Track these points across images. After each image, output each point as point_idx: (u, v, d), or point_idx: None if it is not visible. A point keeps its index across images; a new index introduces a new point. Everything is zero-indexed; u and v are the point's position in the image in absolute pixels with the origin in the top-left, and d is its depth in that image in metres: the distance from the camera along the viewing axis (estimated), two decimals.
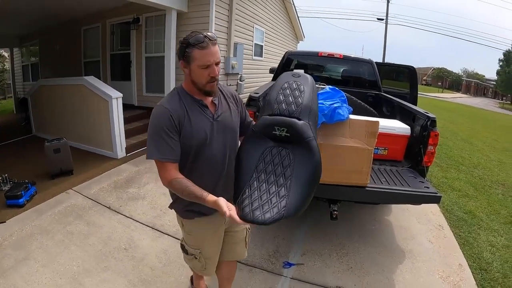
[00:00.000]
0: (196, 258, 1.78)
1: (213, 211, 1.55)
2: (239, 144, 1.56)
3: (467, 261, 3.15)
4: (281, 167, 1.40)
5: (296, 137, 1.41)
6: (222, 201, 1.34)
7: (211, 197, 1.37)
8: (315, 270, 2.77)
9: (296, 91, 1.52)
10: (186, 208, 1.63)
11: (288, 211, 1.30)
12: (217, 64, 1.45)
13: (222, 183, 1.61)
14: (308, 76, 1.63)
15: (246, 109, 2.89)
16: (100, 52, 7.56)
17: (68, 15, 7.65)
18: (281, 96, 1.51)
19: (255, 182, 1.39)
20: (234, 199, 1.40)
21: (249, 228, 1.94)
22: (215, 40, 1.42)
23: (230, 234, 1.87)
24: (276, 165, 1.41)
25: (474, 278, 2.90)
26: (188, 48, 1.40)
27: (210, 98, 1.56)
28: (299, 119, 1.44)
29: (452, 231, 3.72)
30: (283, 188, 1.35)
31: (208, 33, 1.41)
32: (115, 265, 2.65)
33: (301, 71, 1.63)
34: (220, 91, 1.63)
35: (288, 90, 1.53)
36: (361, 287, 2.61)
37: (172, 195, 1.68)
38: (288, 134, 1.41)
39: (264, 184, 1.38)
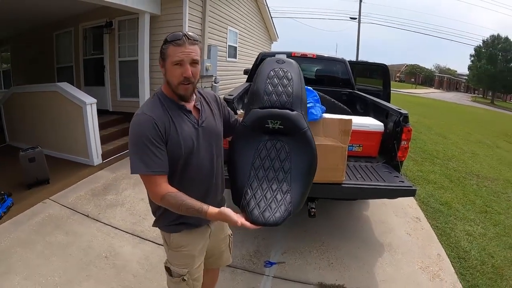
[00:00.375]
0: (185, 280, 1.60)
1: (203, 222, 1.53)
2: (230, 143, 1.49)
3: (445, 250, 3.26)
4: (278, 161, 1.37)
5: (291, 128, 1.37)
6: (228, 211, 1.27)
7: (212, 209, 1.29)
8: (296, 268, 2.81)
9: (284, 79, 1.45)
10: (175, 222, 1.50)
11: (294, 206, 1.30)
12: (192, 63, 1.34)
13: (211, 191, 1.52)
14: (293, 61, 1.58)
15: None
16: (73, 57, 7.39)
17: (40, 20, 7.45)
18: (269, 86, 1.44)
19: (255, 181, 1.35)
20: (236, 202, 1.36)
21: (231, 234, 1.89)
22: (194, 40, 1.34)
23: (217, 243, 1.79)
24: (273, 160, 1.37)
25: (453, 267, 3.00)
26: (164, 45, 1.34)
27: (192, 103, 1.45)
28: (292, 110, 1.39)
29: (429, 222, 3.84)
30: (284, 183, 1.33)
31: (189, 33, 1.35)
32: (97, 273, 2.61)
33: (284, 56, 1.58)
34: (202, 95, 1.55)
35: (275, 79, 1.45)
36: (342, 282, 2.65)
37: (156, 211, 1.54)
38: (282, 127, 1.37)
39: (264, 182, 1.34)
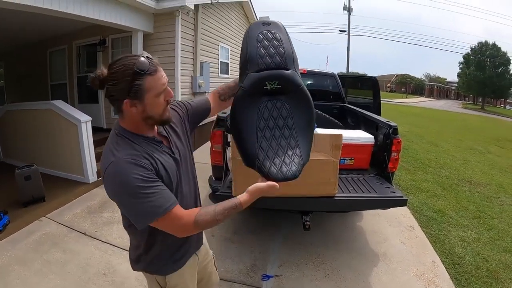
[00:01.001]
0: None
1: (191, 252, 1.47)
2: (232, 110, 1.40)
3: (439, 257, 3.31)
4: (281, 118, 1.38)
5: (288, 87, 1.39)
6: (255, 186, 1.24)
7: (242, 197, 1.23)
8: (293, 280, 2.83)
9: (274, 41, 1.44)
10: (168, 261, 1.39)
11: (305, 157, 1.34)
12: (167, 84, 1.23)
13: None
14: (278, 22, 1.55)
15: (215, 129, 2.95)
16: (67, 74, 7.44)
17: (34, 37, 7.50)
18: (261, 49, 1.41)
19: (264, 141, 1.34)
20: (251, 165, 1.32)
21: (213, 253, 1.81)
22: (155, 58, 1.20)
23: (204, 266, 1.71)
24: (276, 118, 1.38)
25: (448, 273, 3.04)
26: (135, 80, 1.10)
27: (156, 131, 1.30)
28: (287, 69, 1.40)
29: (423, 230, 3.88)
30: (291, 139, 1.35)
31: (146, 54, 1.18)
32: None
33: (268, 17, 1.55)
34: None
35: (265, 42, 1.43)
36: None
37: (143, 254, 1.37)
38: (280, 86, 1.38)
39: (273, 141, 1.34)
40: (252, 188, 1.23)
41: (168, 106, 1.24)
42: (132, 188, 1.09)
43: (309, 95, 1.41)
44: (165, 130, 1.34)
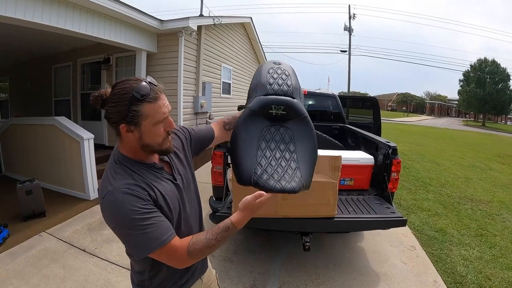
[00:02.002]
0: None
1: (195, 276, 1.44)
2: (234, 128, 1.39)
3: (441, 277, 3.27)
4: (283, 143, 1.38)
5: (293, 114, 1.40)
6: (246, 202, 1.15)
7: (235, 217, 1.17)
8: None
9: (283, 75, 1.50)
10: (175, 285, 1.35)
11: (306, 182, 1.31)
12: (169, 114, 1.18)
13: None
14: (288, 64, 1.62)
15: (216, 150, 2.98)
16: (70, 91, 7.55)
17: (39, 53, 7.65)
18: (271, 79, 1.47)
19: (263, 160, 1.33)
20: (245, 182, 1.26)
21: (216, 272, 1.78)
22: (160, 85, 1.15)
23: (209, 286, 1.65)
24: (278, 142, 1.38)
25: None
26: (133, 105, 1.06)
27: (157, 157, 1.27)
28: (293, 98, 1.44)
29: (424, 250, 3.85)
30: (292, 162, 1.34)
31: (147, 78, 1.13)
32: None
33: (280, 60, 1.63)
34: None
35: (275, 74, 1.50)
36: None
37: (147, 280, 1.32)
38: (285, 112, 1.39)
39: (272, 160, 1.33)
40: (240, 204, 1.16)
41: (169, 136, 1.20)
42: (128, 221, 1.06)
43: (312, 125, 1.43)
44: (168, 156, 1.30)
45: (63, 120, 4.98)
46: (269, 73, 1.49)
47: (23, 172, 5.23)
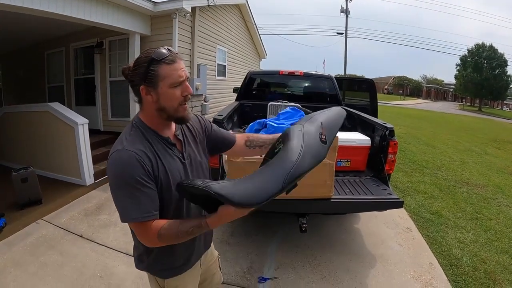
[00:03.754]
0: None
1: (194, 260, 1.46)
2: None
3: (437, 259, 3.31)
4: None
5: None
6: (226, 208, 1.07)
7: (210, 217, 1.13)
8: (289, 283, 2.83)
9: None
10: (169, 266, 1.38)
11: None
12: (187, 80, 1.21)
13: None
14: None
15: None
16: (64, 77, 7.44)
17: (31, 39, 7.51)
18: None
19: None
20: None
21: (219, 254, 1.80)
22: (179, 54, 1.20)
23: (208, 268, 1.69)
24: None
25: (445, 275, 3.05)
26: (152, 65, 1.13)
27: (172, 132, 1.30)
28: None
29: (420, 232, 3.88)
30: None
31: (169, 47, 1.18)
32: None
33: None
34: None
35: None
36: None
37: (144, 256, 1.36)
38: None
39: None
40: (221, 208, 1.10)
41: (186, 105, 1.23)
42: (123, 182, 1.12)
43: None
44: (182, 134, 1.34)
45: (56, 106, 4.91)
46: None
47: (18, 160, 5.17)
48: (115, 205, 1.16)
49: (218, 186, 1.04)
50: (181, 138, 1.32)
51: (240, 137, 1.59)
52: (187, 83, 1.20)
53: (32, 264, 2.96)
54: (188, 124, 1.40)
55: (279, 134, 1.43)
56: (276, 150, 1.24)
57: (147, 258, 1.36)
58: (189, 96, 1.22)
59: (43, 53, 7.82)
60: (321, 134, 1.24)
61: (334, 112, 1.46)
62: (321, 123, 1.30)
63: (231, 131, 1.63)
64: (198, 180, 1.17)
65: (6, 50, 8.62)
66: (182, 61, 1.19)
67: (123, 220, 1.15)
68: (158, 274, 1.41)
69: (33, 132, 5.22)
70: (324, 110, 1.44)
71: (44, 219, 3.83)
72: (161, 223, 1.15)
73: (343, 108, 3.24)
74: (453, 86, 54.15)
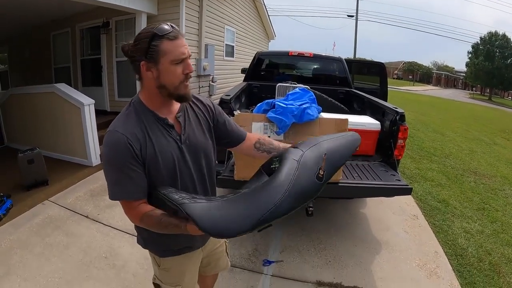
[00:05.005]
0: None
1: (197, 245, 1.47)
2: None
3: (442, 248, 3.28)
4: None
5: None
6: (192, 226, 1.06)
7: (190, 227, 1.08)
8: (294, 266, 2.83)
9: None
10: (168, 247, 1.40)
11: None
12: (189, 57, 1.20)
13: None
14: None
15: None
16: (70, 57, 7.40)
17: (37, 21, 7.45)
18: None
19: None
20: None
21: (227, 240, 1.78)
22: (182, 31, 1.18)
23: (213, 252, 1.69)
24: None
25: (450, 264, 3.02)
26: (153, 41, 1.11)
27: (173, 115, 1.27)
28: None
29: (426, 220, 3.86)
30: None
31: (172, 24, 1.17)
32: (97, 274, 2.62)
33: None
34: (189, 102, 1.35)
35: None
36: (340, 280, 2.67)
37: (143, 230, 1.35)
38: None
39: None
40: (190, 225, 1.07)
41: (188, 83, 1.21)
42: (111, 162, 1.16)
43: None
44: (185, 116, 1.30)
45: (62, 87, 4.89)
46: None
47: (25, 142, 5.18)
48: (107, 181, 1.20)
49: (193, 207, 0.99)
50: (181, 121, 1.29)
51: (251, 136, 1.54)
52: (188, 61, 1.18)
53: (38, 245, 2.98)
54: (194, 107, 1.37)
55: (289, 145, 1.36)
56: (272, 166, 1.18)
57: (145, 234, 1.38)
58: (191, 74, 1.20)
59: (49, 34, 7.76)
60: (320, 169, 1.12)
61: (346, 140, 1.31)
62: (325, 153, 1.17)
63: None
64: (175, 193, 1.10)
65: (12, 32, 8.57)
66: (184, 39, 1.17)
67: (110, 198, 1.19)
68: (154, 252, 1.44)
69: (40, 114, 5.22)
70: (335, 134, 1.31)
71: (50, 200, 3.84)
72: (146, 208, 1.17)
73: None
74: (464, 74, 53.33)
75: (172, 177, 1.24)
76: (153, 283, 1.53)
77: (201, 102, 1.41)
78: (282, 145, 1.49)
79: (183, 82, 1.18)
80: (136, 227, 1.41)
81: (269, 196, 1.01)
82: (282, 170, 1.08)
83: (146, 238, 1.40)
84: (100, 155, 1.14)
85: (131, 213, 1.20)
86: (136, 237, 1.49)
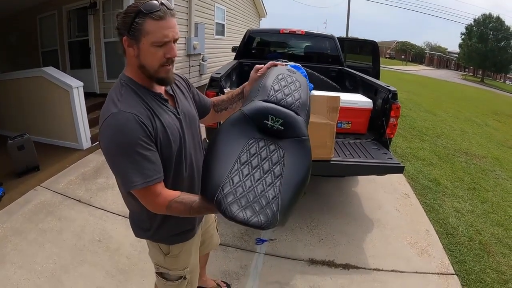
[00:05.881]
0: (186, 278, 1.48)
1: (198, 223, 1.46)
2: (218, 129, 1.17)
3: (433, 226, 3.33)
4: (269, 162, 1.13)
5: (291, 133, 1.16)
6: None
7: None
8: (287, 244, 2.85)
9: (293, 85, 1.29)
10: (175, 232, 1.35)
11: (281, 217, 1.04)
12: (175, 41, 1.12)
13: (198, 184, 1.32)
14: (304, 78, 1.42)
15: (208, 90, 2.87)
16: (57, 40, 7.21)
17: (22, 3, 7.23)
18: (277, 85, 1.26)
19: (238, 176, 1.08)
20: (209, 195, 1.02)
21: (216, 216, 1.78)
22: (173, 10, 1.10)
23: (206, 230, 1.71)
24: (264, 160, 1.13)
25: (441, 243, 3.07)
26: (137, 18, 1.03)
27: (163, 89, 1.24)
28: (297, 114, 1.19)
29: (418, 199, 3.90)
30: (272, 189, 1.09)
31: (164, 1, 1.07)
32: (91, 258, 2.62)
33: (295, 70, 1.43)
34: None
35: (284, 81, 1.28)
36: (332, 258, 2.71)
37: (147, 221, 1.32)
38: (282, 128, 1.16)
39: (249, 181, 1.09)
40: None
41: (170, 66, 1.14)
42: (126, 148, 1.04)
43: (310, 151, 1.17)
44: (173, 89, 1.27)
45: (50, 70, 4.78)
46: (278, 78, 1.28)
47: (14, 128, 5.08)
48: (114, 173, 1.10)
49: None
50: (172, 93, 1.26)
51: (209, 103, 1.55)
52: (173, 45, 1.10)
53: (32, 231, 2.95)
54: (177, 82, 1.35)
55: (238, 90, 1.49)
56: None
57: (152, 225, 1.31)
58: (173, 58, 1.13)
59: (35, 17, 7.52)
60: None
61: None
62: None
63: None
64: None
65: None
66: (174, 19, 1.09)
67: (126, 189, 1.08)
68: (163, 241, 1.38)
69: (28, 99, 5.11)
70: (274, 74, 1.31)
71: (42, 186, 3.80)
72: (173, 194, 1.10)
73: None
74: (457, 55, 53.40)
75: (179, 152, 1.22)
76: (157, 273, 1.47)
77: (177, 75, 1.38)
78: (231, 93, 1.54)
79: (164, 66, 1.12)
80: (136, 221, 1.38)
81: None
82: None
83: (152, 228, 1.33)
84: (103, 146, 1.08)
85: (156, 201, 1.10)
86: (128, 220, 1.46)
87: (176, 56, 1.14)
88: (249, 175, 1.09)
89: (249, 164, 1.11)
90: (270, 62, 1.37)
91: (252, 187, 1.07)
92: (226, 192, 1.03)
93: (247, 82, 1.49)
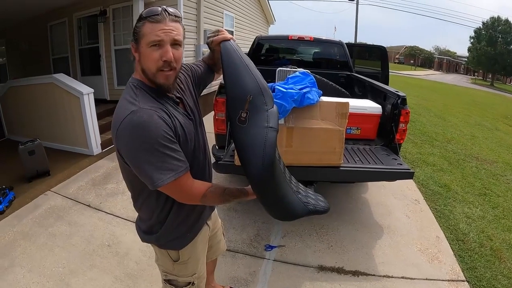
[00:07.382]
0: (194, 284, 1.48)
1: (203, 222, 1.46)
2: (270, 153, 1.06)
3: (444, 233, 3.28)
4: (288, 171, 1.33)
5: None
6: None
7: (250, 189, 1.18)
8: (296, 251, 2.84)
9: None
10: (181, 233, 1.35)
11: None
12: (174, 45, 1.11)
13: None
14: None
15: (218, 96, 2.89)
16: (68, 47, 7.33)
17: (34, 11, 7.37)
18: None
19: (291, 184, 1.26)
20: (301, 213, 1.25)
21: (222, 222, 1.84)
22: (176, 16, 1.11)
23: (213, 235, 1.70)
24: (284, 167, 1.28)
25: (452, 249, 3.02)
26: (138, 22, 1.09)
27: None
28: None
29: (428, 205, 3.85)
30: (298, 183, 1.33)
31: (169, 8, 1.11)
32: (100, 262, 2.63)
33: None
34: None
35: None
36: (342, 265, 2.68)
37: (155, 225, 1.33)
38: None
39: (292, 183, 1.27)
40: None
41: (171, 73, 1.13)
42: (151, 144, 1.03)
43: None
44: (181, 93, 1.29)
45: (61, 77, 4.86)
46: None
47: (26, 134, 5.17)
48: (140, 171, 1.08)
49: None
50: (180, 95, 1.27)
51: (203, 64, 1.55)
52: (168, 47, 1.08)
53: (41, 235, 2.98)
54: (180, 78, 1.33)
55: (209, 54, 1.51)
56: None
57: (159, 228, 1.32)
58: (171, 62, 1.11)
59: (46, 25, 7.67)
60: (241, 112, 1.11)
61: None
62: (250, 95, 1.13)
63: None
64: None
65: (8, 24, 8.49)
66: (175, 23, 1.11)
67: (156, 186, 1.06)
68: (172, 247, 1.38)
69: (39, 105, 5.20)
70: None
71: (52, 191, 3.84)
72: (206, 185, 1.17)
73: None
74: (466, 59, 52.85)
75: (193, 153, 1.25)
76: (165, 280, 1.48)
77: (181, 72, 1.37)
78: (207, 56, 1.55)
79: (161, 70, 1.11)
80: (143, 226, 1.38)
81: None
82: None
83: (159, 231, 1.33)
84: (124, 146, 1.07)
85: (191, 193, 1.14)
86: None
87: (172, 60, 1.11)
88: (289, 178, 1.28)
89: (284, 170, 1.26)
90: (220, 36, 1.29)
91: (296, 187, 1.28)
92: (305, 200, 1.23)
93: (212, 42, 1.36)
